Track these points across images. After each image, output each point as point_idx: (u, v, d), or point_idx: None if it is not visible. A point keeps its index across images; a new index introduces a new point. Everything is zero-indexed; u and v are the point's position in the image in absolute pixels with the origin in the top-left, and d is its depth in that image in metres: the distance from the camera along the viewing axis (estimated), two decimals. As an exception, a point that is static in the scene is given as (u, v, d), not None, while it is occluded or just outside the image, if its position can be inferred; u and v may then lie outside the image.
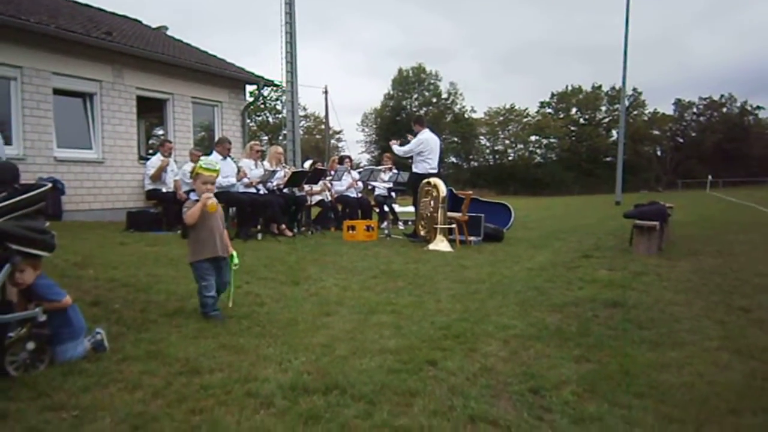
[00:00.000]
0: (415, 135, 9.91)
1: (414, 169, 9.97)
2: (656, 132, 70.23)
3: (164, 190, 10.69)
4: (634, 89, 65.55)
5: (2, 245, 2.94)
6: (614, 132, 60.83)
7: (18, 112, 10.39)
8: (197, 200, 4.31)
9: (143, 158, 12.44)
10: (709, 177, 51.37)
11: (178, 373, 3.15)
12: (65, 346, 3.27)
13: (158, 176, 10.69)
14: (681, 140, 73.62)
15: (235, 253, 4.45)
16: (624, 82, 28.37)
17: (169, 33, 17.02)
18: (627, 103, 48.35)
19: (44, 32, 10.51)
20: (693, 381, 3.24)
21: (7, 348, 3.08)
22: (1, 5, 10.41)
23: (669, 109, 72.76)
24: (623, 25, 26.86)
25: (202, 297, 4.33)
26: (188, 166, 10.86)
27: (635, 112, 66.04)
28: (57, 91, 11.03)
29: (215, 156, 9.69)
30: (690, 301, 5.24)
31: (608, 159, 60.29)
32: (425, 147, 9.73)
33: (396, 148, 10.36)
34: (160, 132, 13.55)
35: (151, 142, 17.53)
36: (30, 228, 3.03)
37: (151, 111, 14.11)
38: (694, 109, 73.39)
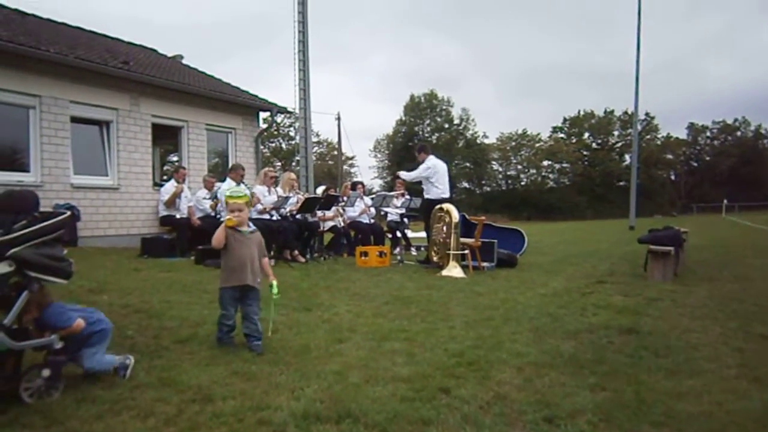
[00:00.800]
0: (420, 163, 10.02)
1: (426, 195, 10.03)
2: (670, 156, 70.04)
3: (178, 216, 10.78)
4: (647, 114, 65.66)
5: (21, 272, 2.98)
6: (627, 156, 60.75)
7: (36, 140, 10.58)
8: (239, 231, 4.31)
9: (158, 185, 12.58)
10: (725, 201, 50.97)
11: (191, 400, 3.15)
12: (95, 349, 3.36)
13: (172, 202, 10.79)
14: (695, 164, 73.33)
15: (275, 282, 4.35)
16: (636, 107, 28.35)
17: (184, 61, 17.33)
18: (640, 127, 48.20)
19: (63, 62, 10.74)
20: (711, 410, 3.18)
21: (22, 375, 3.10)
22: (22, 36, 10.69)
23: (682, 133, 72.82)
24: (635, 49, 26.92)
25: (219, 323, 4.32)
26: (202, 193, 10.97)
27: (648, 137, 65.94)
28: (74, 119, 11.23)
29: (229, 183, 9.80)
30: (707, 328, 5.17)
31: (621, 183, 60.08)
32: (432, 173, 9.81)
33: (403, 174, 10.47)
34: (175, 158, 13.74)
35: (165, 168, 17.73)
36: (48, 256, 3.07)
37: (166, 138, 14.32)
38: (708, 133, 73.28)
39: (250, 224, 4.44)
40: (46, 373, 3.11)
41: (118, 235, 11.62)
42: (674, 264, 8.30)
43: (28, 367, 3.15)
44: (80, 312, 3.38)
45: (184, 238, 10.24)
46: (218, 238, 4.24)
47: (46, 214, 3.14)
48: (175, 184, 10.93)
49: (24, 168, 10.52)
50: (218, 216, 10.30)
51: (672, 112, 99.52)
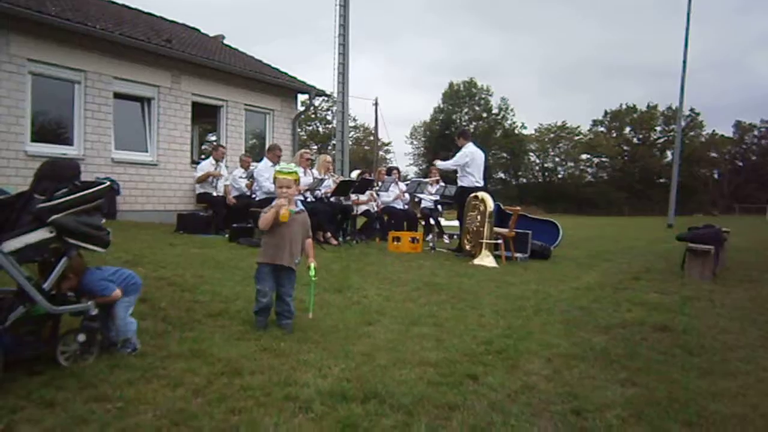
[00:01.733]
0: (459, 149, 9.91)
1: (460, 183, 9.96)
2: (714, 154, 68.11)
3: (214, 194, 10.91)
4: (692, 109, 63.87)
5: (61, 239, 3.05)
6: (669, 153, 59.26)
7: (80, 114, 10.81)
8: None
9: (196, 162, 12.75)
10: (770, 203, 49.38)
11: (220, 373, 3.19)
12: (129, 299, 3.53)
13: (204, 180, 10.92)
14: (740, 164, 71.21)
15: (313, 265, 4.23)
16: (681, 102, 27.56)
17: (226, 42, 17.46)
18: (684, 123, 46.95)
19: (108, 38, 10.93)
20: (746, 413, 3.10)
21: (59, 339, 3.19)
22: (70, 12, 10.90)
23: (728, 131, 70.66)
24: (682, 44, 26.17)
25: (256, 297, 4.27)
26: (238, 172, 11.09)
27: (692, 133, 64.20)
28: (117, 95, 11.43)
29: (265, 162, 9.86)
30: (745, 330, 5.03)
31: (662, 180, 58.79)
32: (470, 159, 9.70)
33: (439, 163, 10.44)
34: (213, 138, 13.92)
35: (204, 147, 17.95)
36: (87, 224, 3.13)
37: (205, 117, 14.48)
38: (756, 132, 70.96)
39: (299, 203, 4.37)
40: (81, 338, 3.20)
41: (155, 211, 11.82)
42: (713, 263, 8.07)
43: (65, 332, 3.24)
44: (112, 274, 3.52)
45: (220, 216, 10.38)
46: (266, 221, 4.15)
47: (87, 184, 3.20)
48: (213, 162, 11.06)
49: (68, 141, 10.77)
50: (253, 195, 10.40)
51: (719, 108, 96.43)
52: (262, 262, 4.25)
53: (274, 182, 4.33)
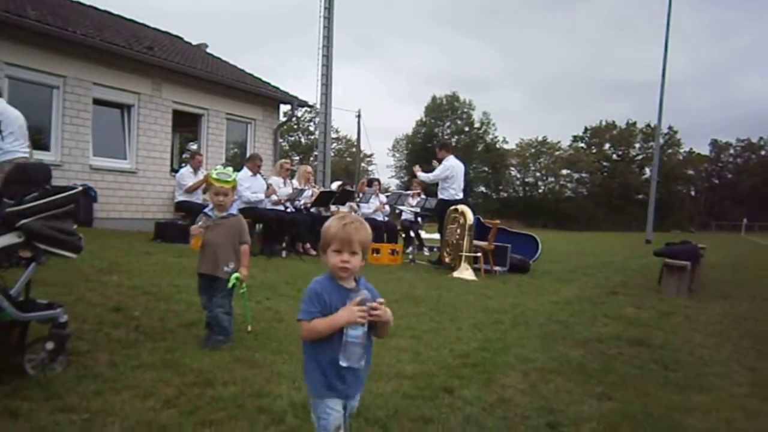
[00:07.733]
0: (440, 161, 9.92)
1: (440, 196, 9.97)
2: (691, 172, 69.24)
3: (194, 199, 10.76)
4: (670, 127, 64.81)
5: (30, 244, 2.98)
6: (647, 170, 60.05)
7: (58, 120, 10.66)
8: (209, 216, 4.00)
9: (175, 171, 12.63)
10: (744, 220, 50.28)
11: (192, 383, 3.13)
12: None
13: (193, 190, 10.79)
14: (716, 181, 72.47)
15: (234, 275, 3.92)
16: (659, 120, 27.93)
17: (209, 50, 17.39)
18: (662, 141, 47.68)
19: (89, 44, 10.82)
20: (719, 427, 3.12)
21: (27, 347, 3.11)
22: (50, 17, 10.78)
23: (705, 149, 71.96)
24: (661, 62, 26.58)
25: None
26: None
27: (670, 151, 65.15)
28: (97, 101, 11.30)
29: (245, 172, 9.77)
30: (719, 345, 5.08)
31: (640, 197, 59.41)
32: (451, 173, 9.72)
33: (420, 174, 10.39)
34: (194, 146, 13.80)
35: (184, 155, 17.82)
36: (58, 229, 3.06)
37: (186, 125, 14.37)
38: (731, 151, 72.40)
39: (233, 207, 4.09)
40: (49, 345, 3.11)
41: (132, 219, 11.68)
42: (690, 279, 8.16)
43: (33, 340, 3.15)
44: None
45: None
46: (195, 245, 3.97)
47: (58, 188, 3.14)
48: (191, 170, 10.94)
49: (45, 147, 10.60)
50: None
51: (696, 126, 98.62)
52: (198, 273, 4.07)
53: (209, 187, 4.10)
